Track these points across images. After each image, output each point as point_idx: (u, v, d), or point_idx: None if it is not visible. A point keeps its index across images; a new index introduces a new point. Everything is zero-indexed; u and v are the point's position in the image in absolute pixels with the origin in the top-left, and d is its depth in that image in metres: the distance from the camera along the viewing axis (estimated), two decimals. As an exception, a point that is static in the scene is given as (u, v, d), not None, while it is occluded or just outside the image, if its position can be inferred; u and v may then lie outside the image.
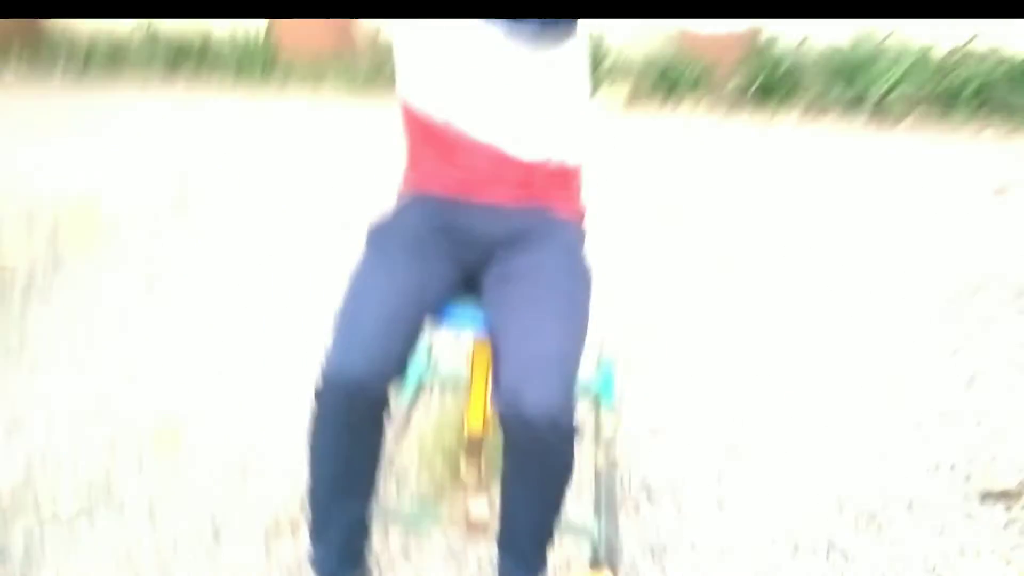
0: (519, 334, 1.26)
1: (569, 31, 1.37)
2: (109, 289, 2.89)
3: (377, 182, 4.01)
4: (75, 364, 2.43)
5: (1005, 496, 1.95)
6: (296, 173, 4.22)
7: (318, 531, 1.40)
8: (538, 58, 1.37)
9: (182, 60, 6.41)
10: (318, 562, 1.42)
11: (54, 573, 1.64)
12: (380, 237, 1.44)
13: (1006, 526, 1.86)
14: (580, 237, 1.52)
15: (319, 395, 1.24)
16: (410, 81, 1.45)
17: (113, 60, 6.51)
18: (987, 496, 1.96)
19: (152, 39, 6.62)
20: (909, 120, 5.37)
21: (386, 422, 1.34)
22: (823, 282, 3.05)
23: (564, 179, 1.50)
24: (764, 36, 6.15)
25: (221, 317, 2.72)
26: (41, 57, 6.64)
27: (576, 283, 1.38)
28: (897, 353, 2.59)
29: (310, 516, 1.41)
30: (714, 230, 3.53)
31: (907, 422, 2.24)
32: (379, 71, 6.13)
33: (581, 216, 1.56)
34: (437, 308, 1.41)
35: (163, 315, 2.72)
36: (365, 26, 6.82)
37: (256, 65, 6.22)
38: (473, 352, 1.61)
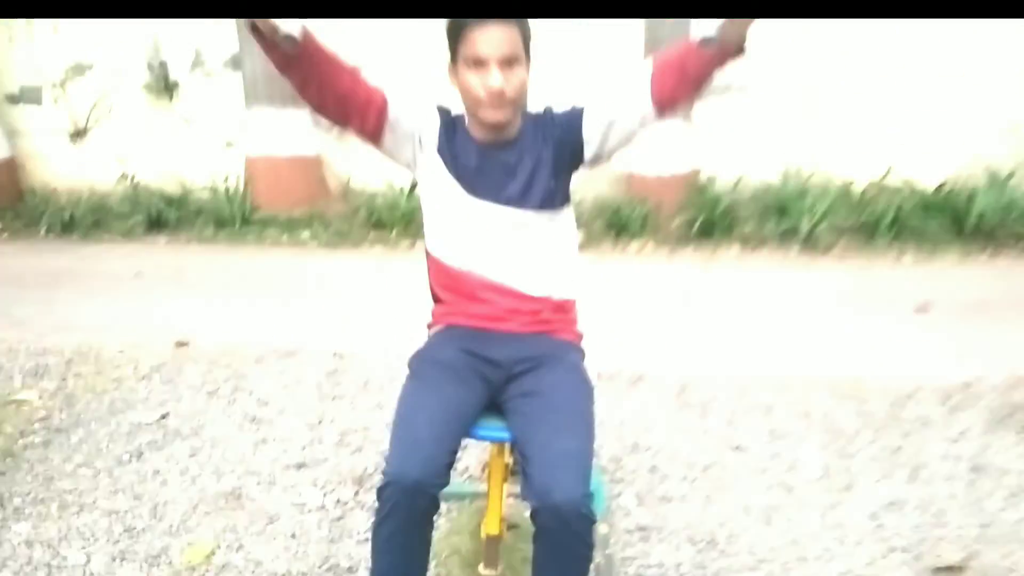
0: (544, 440, 1.54)
1: (566, 201, 1.77)
2: (123, 427, 3.08)
3: (368, 319, 4.34)
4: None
5: (951, 570, 2.24)
6: (282, 316, 4.51)
7: None
8: (542, 217, 1.75)
9: (163, 215, 6.75)
10: None
11: None
12: (421, 364, 1.74)
13: (955, 596, 2.13)
14: (582, 356, 1.84)
15: (382, 493, 1.50)
16: (437, 240, 1.80)
17: (96, 216, 6.81)
18: (937, 571, 2.23)
19: (134, 195, 7.00)
20: (836, 249, 5.97)
21: (434, 525, 1.60)
22: (773, 391, 3.40)
23: (565, 310, 1.85)
24: (703, 176, 6.83)
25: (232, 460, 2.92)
26: (24, 215, 6.93)
27: (584, 396, 1.70)
28: (848, 453, 2.91)
29: None
30: (672, 360, 3.89)
31: (863, 513, 2.53)
32: (351, 221, 6.58)
33: (580, 339, 1.89)
34: (473, 422, 1.69)
35: (176, 450, 2.91)
36: (338, 177, 7.34)
37: (235, 217, 6.58)
38: (491, 462, 1.88)
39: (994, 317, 4.44)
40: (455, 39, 1.61)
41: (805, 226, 5.99)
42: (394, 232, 6.40)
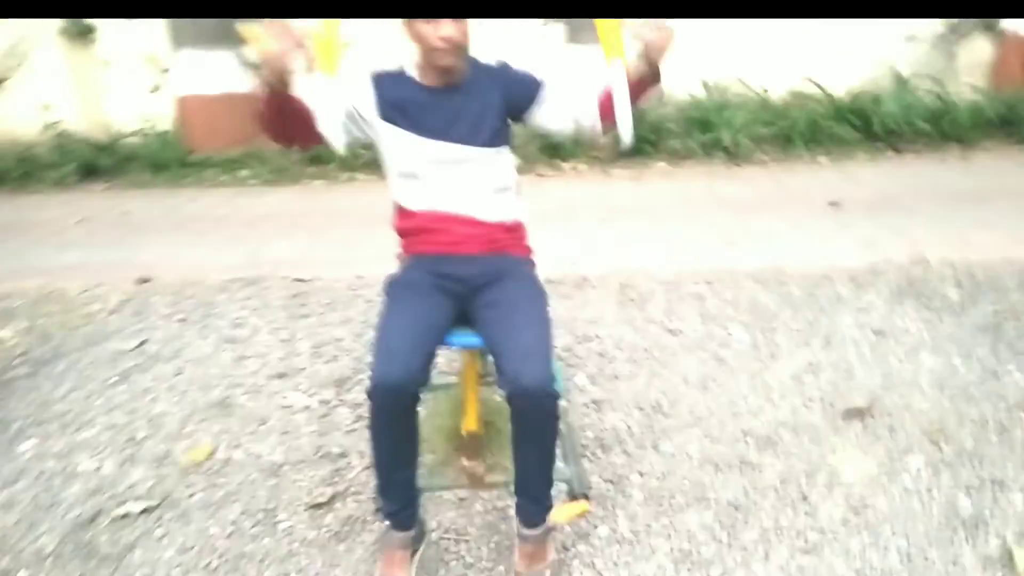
0: (510, 337, 1.82)
1: (508, 139, 2.04)
2: (104, 355, 3.24)
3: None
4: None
5: (859, 412, 2.64)
6: (239, 250, 4.65)
7: (383, 491, 1.90)
8: (488, 152, 1.99)
9: (96, 162, 6.69)
10: (387, 512, 1.92)
11: None
12: (394, 288, 1.99)
13: (863, 431, 2.53)
14: (533, 268, 2.14)
15: (371, 396, 1.76)
16: (399, 187, 2.03)
17: (24, 167, 6.71)
18: (847, 413, 2.63)
19: (61, 144, 6.89)
20: (756, 156, 6.36)
21: (419, 414, 1.87)
22: (704, 283, 3.76)
23: (514, 230, 2.12)
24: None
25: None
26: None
27: (539, 298, 1.98)
28: (771, 328, 3.29)
29: (376, 481, 1.90)
30: (612, 263, 4.22)
31: (786, 374, 2.91)
32: (288, 158, 6.65)
33: (530, 253, 2.18)
34: (444, 334, 1.95)
35: (161, 371, 3.11)
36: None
37: (172, 160, 6.58)
38: (464, 368, 2.18)
39: (899, 208, 4.90)
40: None
41: (727, 138, 6.34)
42: (333, 167, 6.50)
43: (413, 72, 1.98)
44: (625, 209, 5.17)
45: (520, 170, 2.17)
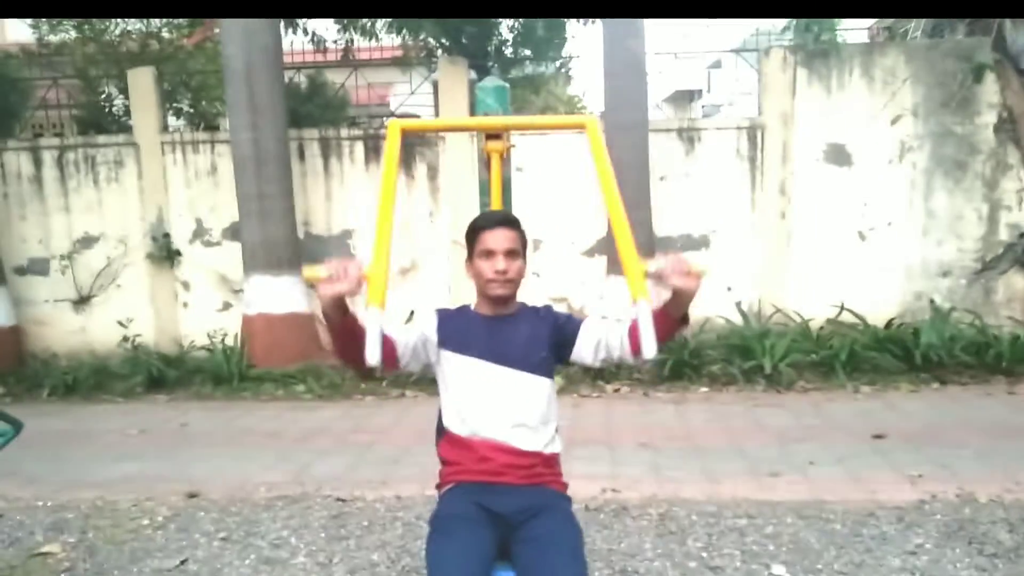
0: None
1: (552, 373, 2.23)
2: (145, 574, 3.30)
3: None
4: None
5: None
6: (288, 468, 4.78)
7: None
8: (535, 380, 2.17)
9: (163, 374, 7.08)
10: None
11: None
12: (441, 521, 2.08)
13: None
14: (570, 503, 2.22)
15: None
16: (450, 413, 2.20)
17: (97, 377, 7.13)
18: None
19: (134, 356, 7.35)
20: (798, 384, 6.41)
21: None
22: (745, 516, 3.71)
23: (552, 464, 2.24)
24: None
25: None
26: (26, 379, 7.22)
27: (577, 539, 2.05)
28: (815, 569, 3.20)
29: None
30: (653, 491, 4.21)
31: None
32: (343, 374, 6.95)
33: (566, 488, 2.27)
34: (491, 564, 2.01)
35: (197, 594, 3.14)
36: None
37: (233, 374, 6.93)
38: None
39: (945, 442, 4.83)
40: (472, 239, 2.16)
41: (768, 365, 6.45)
42: (384, 383, 6.76)
43: (473, 304, 2.26)
44: (665, 433, 5.21)
45: (562, 390, 2.31)
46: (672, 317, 2.05)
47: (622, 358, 2.17)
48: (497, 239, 2.12)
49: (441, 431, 2.26)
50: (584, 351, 2.20)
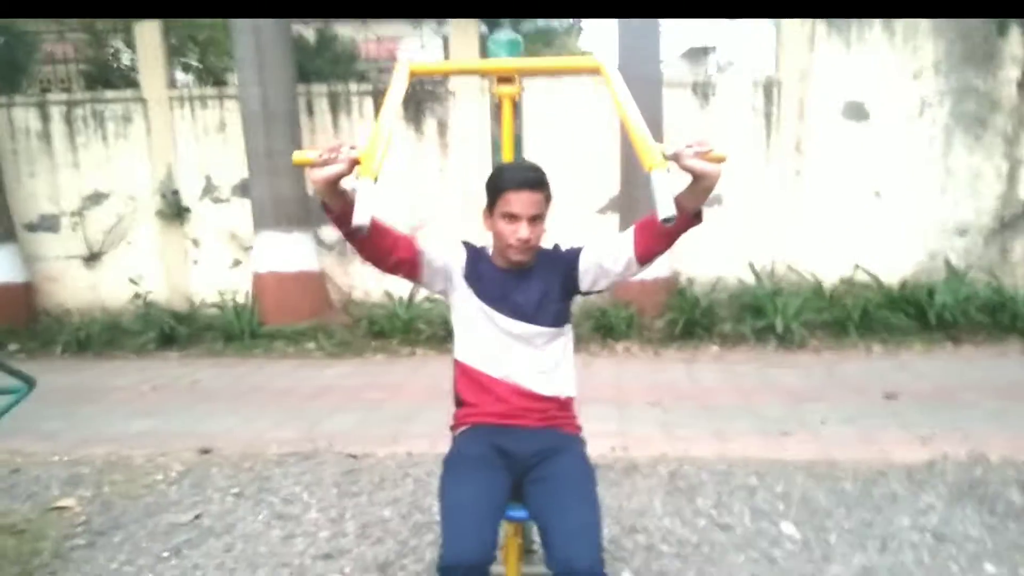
0: (561, 517, 1.89)
1: (568, 319, 2.19)
2: (160, 527, 3.34)
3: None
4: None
5: None
6: (296, 423, 4.82)
7: None
8: (550, 332, 2.15)
9: (174, 331, 7.12)
10: None
11: None
12: (455, 461, 2.08)
13: None
14: (584, 446, 2.21)
15: (444, 573, 1.80)
16: (466, 349, 2.18)
17: (110, 334, 7.17)
18: None
19: (145, 313, 7.38)
20: (810, 344, 6.38)
21: None
22: (755, 475, 3.71)
23: (567, 408, 2.23)
24: (683, 279, 7.33)
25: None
26: (40, 335, 7.27)
27: (590, 479, 2.05)
28: (825, 527, 3.20)
29: None
30: (663, 449, 4.21)
31: (837, 578, 2.80)
32: (353, 332, 6.96)
33: (580, 431, 2.26)
34: (504, 505, 2.02)
35: (212, 547, 3.17)
36: (340, 290, 7.78)
37: (244, 331, 6.96)
38: (507, 542, 2.26)
39: (956, 402, 4.81)
40: (494, 195, 2.04)
41: (779, 324, 6.41)
42: (395, 341, 6.77)
43: (491, 252, 2.18)
44: (676, 393, 5.20)
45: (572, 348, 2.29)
46: (686, 210, 1.90)
47: (625, 273, 2.08)
48: (523, 202, 2.00)
49: (456, 365, 2.23)
50: (588, 282, 2.13)
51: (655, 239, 2.00)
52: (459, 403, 2.24)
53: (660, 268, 6.98)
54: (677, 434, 4.41)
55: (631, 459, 4.01)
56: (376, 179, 1.72)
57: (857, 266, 7.30)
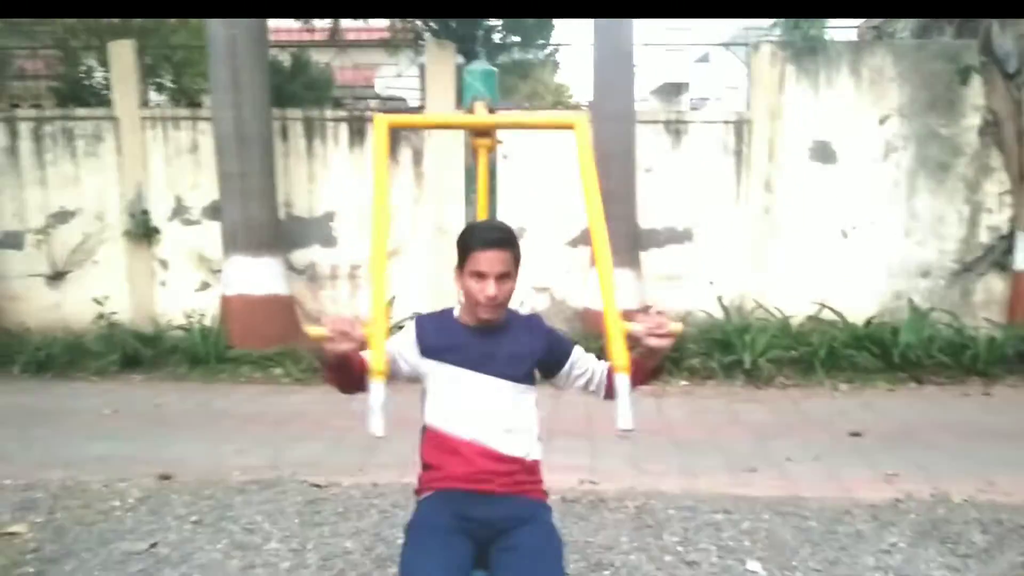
0: None
1: (535, 382, 2.21)
2: (115, 556, 3.24)
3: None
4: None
5: None
6: (257, 447, 4.73)
7: None
8: (518, 389, 2.15)
9: (138, 353, 6.99)
10: None
11: None
12: (418, 531, 2.03)
13: None
14: (551, 514, 2.18)
15: None
16: (434, 411, 2.17)
17: (71, 355, 7.01)
18: None
19: (109, 334, 7.24)
20: (777, 380, 6.44)
21: None
22: (721, 511, 3.71)
23: (533, 471, 2.20)
24: (652, 312, 7.36)
25: None
26: (-1, 354, 7.09)
27: (559, 552, 2.02)
28: (790, 565, 3.20)
29: None
30: (629, 484, 4.20)
31: None
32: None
33: (546, 497, 2.24)
34: (467, 571, 1.97)
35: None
36: (309, 315, 7.71)
37: (210, 355, 6.85)
38: None
39: (920, 441, 4.88)
40: (463, 254, 2.09)
41: (747, 360, 6.47)
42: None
43: (457, 311, 2.21)
44: (644, 426, 5.18)
45: (541, 381, 2.28)
46: (646, 368, 2.13)
47: (595, 394, 2.29)
48: (491, 261, 2.04)
49: (424, 431, 2.23)
50: (574, 382, 2.27)
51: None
52: (425, 467, 2.22)
53: (630, 301, 7.01)
54: (645, 468, 4.40)
55: (599, 492, 3.99)
56: (385, 377, 1.94)
57: (823, 304, 7.40)
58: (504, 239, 2.08)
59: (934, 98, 7.51)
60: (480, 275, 2.05)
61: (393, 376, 2.12)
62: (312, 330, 1.95)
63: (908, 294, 7.57)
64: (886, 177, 7.62)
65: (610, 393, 2.17)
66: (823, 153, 7.64)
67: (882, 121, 7.55)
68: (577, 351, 2.27)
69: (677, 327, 2.02)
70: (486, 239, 2.07)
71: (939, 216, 7.63)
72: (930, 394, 6.14)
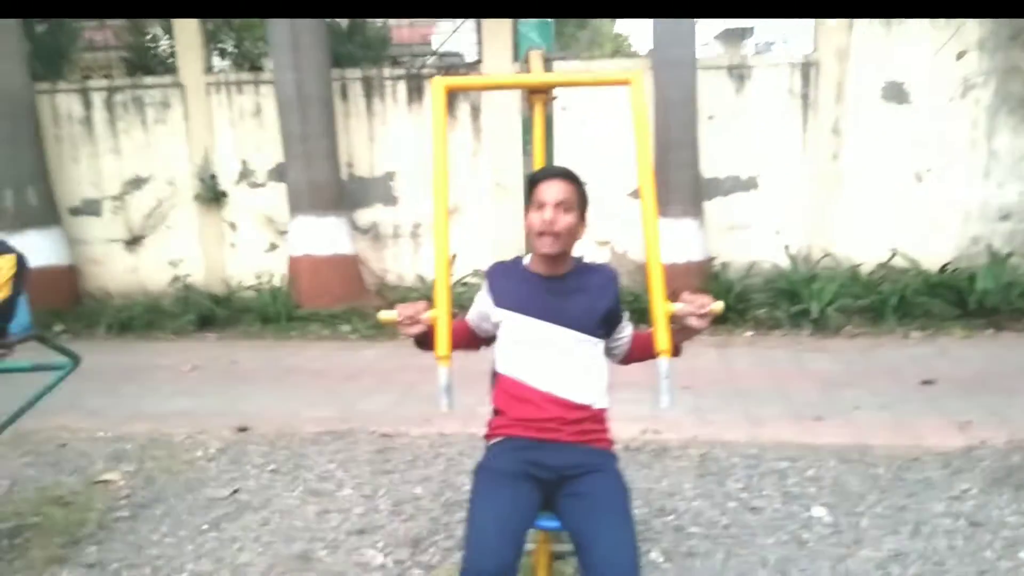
0: (599, 538, 1.89)
1: (606, 336, 2.23)
2: (200, 501, 3.44)
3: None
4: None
5: (949, 609, 2.49)
6: (333, 407, 4.90)
7: None
8: (586, 341, 2.16)
9: (213, 313, 7.27)
10: None
11: None
12: (485, 474, 2.09)
13: None
14: (616, 462, 2.21)
15: None
16: (504, 359, 2.21)
17: (150, 316, 7.35)
18: (935, 610, 2.49)
19: (184, 296, 7.55)
20: (846, 329, 6.30)
21: None
22: (786, 459, 3.70)
23: (601, 420, 2.23)
24: (717, 263, 7.27)
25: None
26: (83, 317, 7.47)
27: (627, 500, 2.05)
28: (856, 511, 3.18)
29: None
30: (694, 433, 4.21)
31: (870, 564, 2.80)
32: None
33: (613, 446, 2.26)
34: (532, 521, 2.03)
35: (249, 520, 3.26)
36: (374, 274, 7.87)
37: (280, 314, 7.08)
38: (537, 548, 2.33)
39: (996, 388, 4.73)
40: (529, 192, 2.13)
41: (815, 309, 6.34)
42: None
43: (527, 260, 2.25)
44: (708, 376, 5.18)
45: None
46: (677, 345, 2.19)
47: (611, 358, 2.32)
48: (549, 190, 2.08)
49: (495, 377, 2.27)
50: (608, 349, 2.27)
51: (638, 358, 2.33)
52: (495, 412, 2.27)
53: (694, 251, 6.93)
54: (709, 418, 4.40)
55: (662, 442, 4.02)
56: (449, 362, 2.08)
57: (895, 251, 7.17)
58: (566, 173, 2.13)
59: (1016, 30, 7.09)
60: (540, 204, 2.09)
61: (485, 339, 2.33)
62: (384, 315, 2.11)
63: (987, 239, 7.26)
64: (964, 116, 7.27)
65: (626, 360, 2.33)
66: (896, 94, 7.33)
67: (959, 56, 7.17)
68: (625, 321, 2.29)
69: (719, 306, 2.08)
70: (548, 172, 2.15)
71: (1021, 156, 7.25)
72: (1008, 341, 5.92)
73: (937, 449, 3.80)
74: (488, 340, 2.34)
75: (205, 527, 3.22)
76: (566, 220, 2.08)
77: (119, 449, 4.14)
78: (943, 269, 6.88)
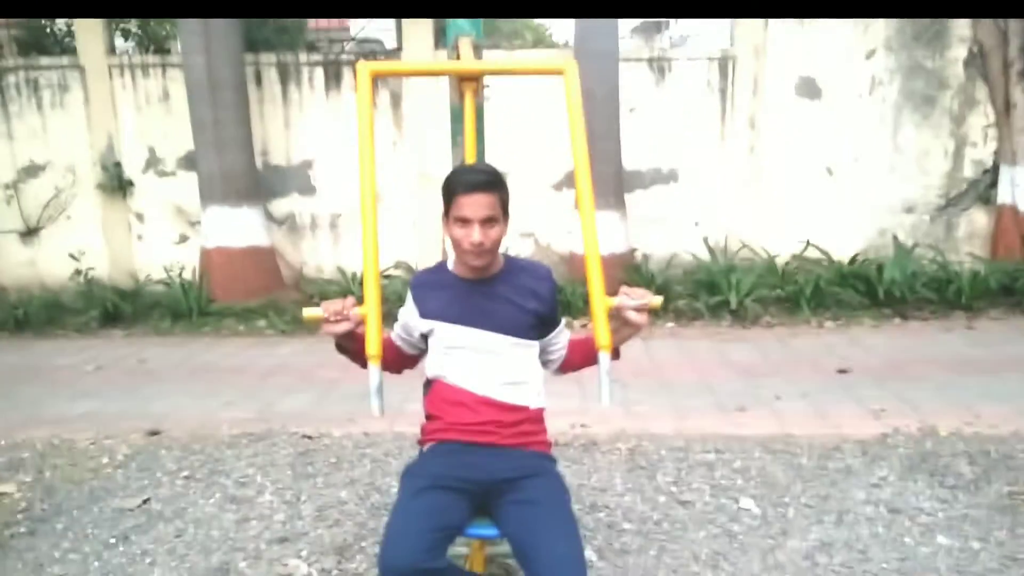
0: (545, 546, 1.82)
1: (538, 337, 2.16)
2: (106, 513, 3.21)
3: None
4: None
5: None
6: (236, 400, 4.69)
7: None
8: (520, 346, 2.10)
9: (119, 309, 6.88)
10: None
11: None
12: (412, 477, 2.01)
13: None
14: (555, 465, 2.16)
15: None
16: (436, 365, 2.12)
17: (49, 312, 6.89)
18: None
19: (87, 290, 7.12)
20: (763, 319, 6.46)
21: None
22: (713, 451, 3.74)
23: (538, 421, 2.17)
24: (638, 255, 7.34)
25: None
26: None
27: (568, 504, 1.99)
28: (783, 502, 3.24)
29: None
30: (621, 426, 4.22)
31: (798, 554, 2.84)
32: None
33: (550, 448, 2.21)
34: (459, 525, 1.95)
35: (162, 532, 3.07)
36: (291, 266, 7.61)
37: (192, 309, 6.76)
38: (472, 555, 2.30)
39: (906, 375, 4.92)
40: (448, 200, 1.99)
41: (734, 300, 6.47)
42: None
43: (451, 263, 2.15)
44: (633, 368, 5.20)
45: None
46: (616, 342, 2.14)
47: (547, 366, 2.28)
48: (474, 206, 1.93)
49: (428, 383, 2.19)
50: (541, 354, 2.22)
51: (577, 366, 2.31)
52: (428, 417, 2.18)
53: (617, 244, 6.96)
54: (635, 410, 4.41)
55: (591, 436, 4.00)
56: (379, 359, 2.04)
57: (808, 243, 7.39)
58: (488, 181, 1.97)
59: (920, 30, 7.39)
60: (464, 221, 1.95)
61: (413, 356, 2.26)
62: (308, 312, 2.01)
63: (893, 230, 7.57)
64: (872, 112, 7.54)
65: (563, 369, 2.30)
66: (808, 89, 7.54)
67: (868, 55, 7.44)
68: (561, 327, 2.25)
69: (658, 300, 2.05)
70: (469, 182, 1.95)
71: (924, 151, 7.59)
72: (915, 329, 6.18)
73: (855, 437, 3.91)
74: (418, 357, 2.26)
75: (112, 541, 3.01)
76: (493, 234, 1.98)
77: (15, 458, 3.85)
78: (853, 260, 7.13)
